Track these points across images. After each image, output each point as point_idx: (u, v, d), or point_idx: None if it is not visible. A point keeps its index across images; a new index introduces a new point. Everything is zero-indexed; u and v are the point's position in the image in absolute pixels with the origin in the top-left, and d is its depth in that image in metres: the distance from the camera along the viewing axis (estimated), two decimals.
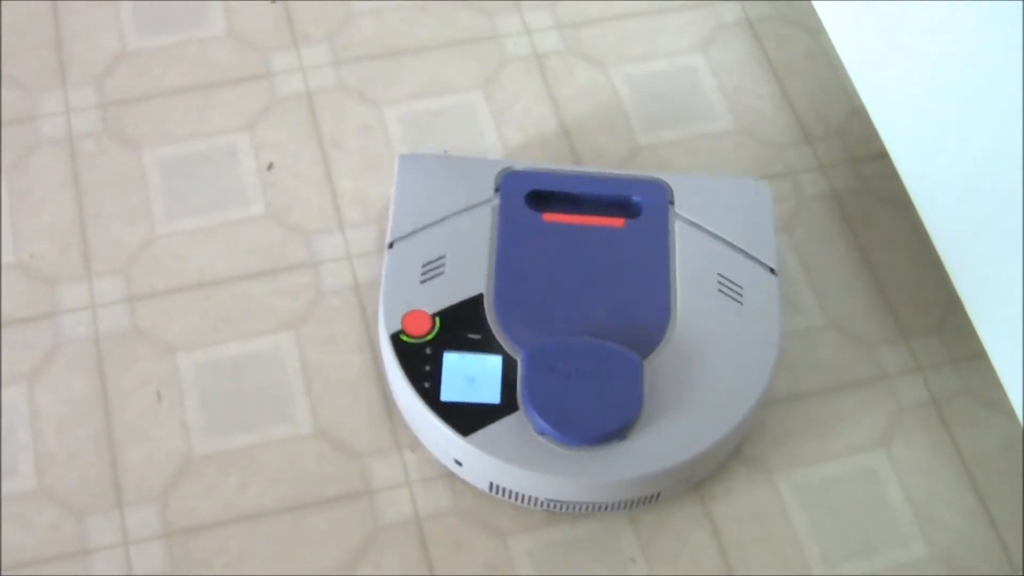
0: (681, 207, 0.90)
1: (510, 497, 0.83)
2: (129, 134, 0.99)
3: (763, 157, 1.00)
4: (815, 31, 1.07)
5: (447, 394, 0.82)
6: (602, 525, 0.85)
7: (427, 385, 0.83)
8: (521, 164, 0.91)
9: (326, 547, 0.84)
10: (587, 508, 0.83)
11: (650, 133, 1.01)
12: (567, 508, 0.83)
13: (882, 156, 1.00)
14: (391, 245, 0.87)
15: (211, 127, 1.00)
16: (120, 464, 0.86)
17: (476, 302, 0.85)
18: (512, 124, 1.00)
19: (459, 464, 0.83)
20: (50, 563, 0.82)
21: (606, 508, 0.83)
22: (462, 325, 0.85)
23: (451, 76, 1.03)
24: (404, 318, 0.85)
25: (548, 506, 0.83)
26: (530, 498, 0.82)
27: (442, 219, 0.88)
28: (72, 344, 0.90)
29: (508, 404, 0.82)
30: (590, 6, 1.07)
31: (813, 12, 1.07)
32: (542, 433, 0.81)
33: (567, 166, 0.92)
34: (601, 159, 0.99)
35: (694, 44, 1.05)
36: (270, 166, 0.98)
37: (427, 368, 0.83)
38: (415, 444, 0.87)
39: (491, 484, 0.83)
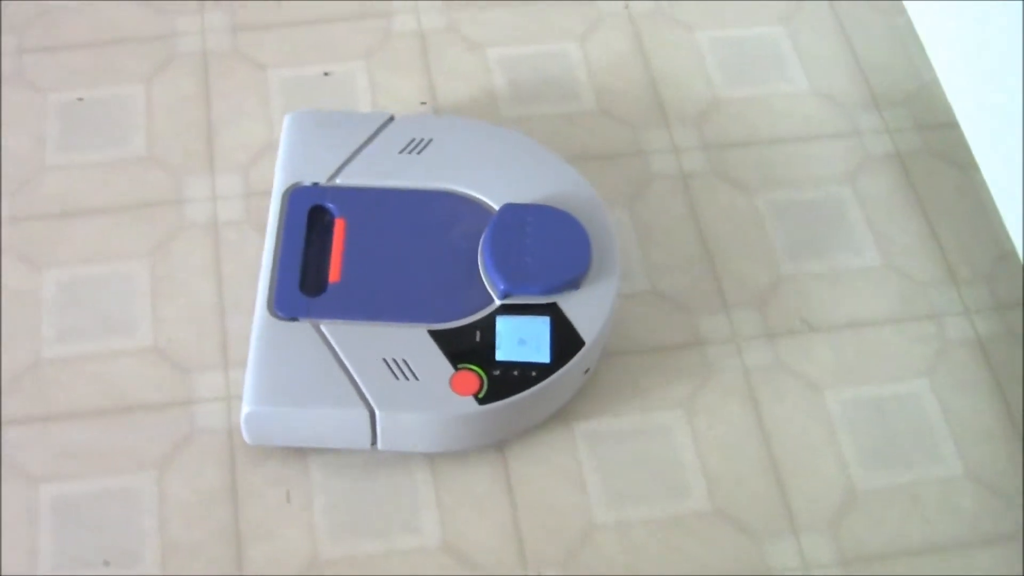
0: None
1: None
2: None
3: (907, 295, 0.98)
4: (965, 167, 1.05)
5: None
6: None
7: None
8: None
9: None
10: None
11: (793, 262, 1.00)
12: None
13: None
14: None
15: None
16: (245, 561, 0.86)
17: None
18: (656, 244, 0.99)
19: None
20: None
21: None
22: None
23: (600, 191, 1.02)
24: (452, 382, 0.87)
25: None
26: None
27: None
28: (205, 434, 0.90)
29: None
30: (736, 128, 1.06)
31: (964, 147, 1.06)
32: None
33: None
34: (743, 287, 0.98)
35: (841, 174, 1.04)
36: None
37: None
38: (541, 563, 0.86)
39: None
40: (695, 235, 1.00)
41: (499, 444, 0.91)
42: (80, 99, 1.06)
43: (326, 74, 1.08)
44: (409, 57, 1.09)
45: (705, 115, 1.07)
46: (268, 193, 1.01)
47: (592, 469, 0.90)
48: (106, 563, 0.85)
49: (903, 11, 1.12)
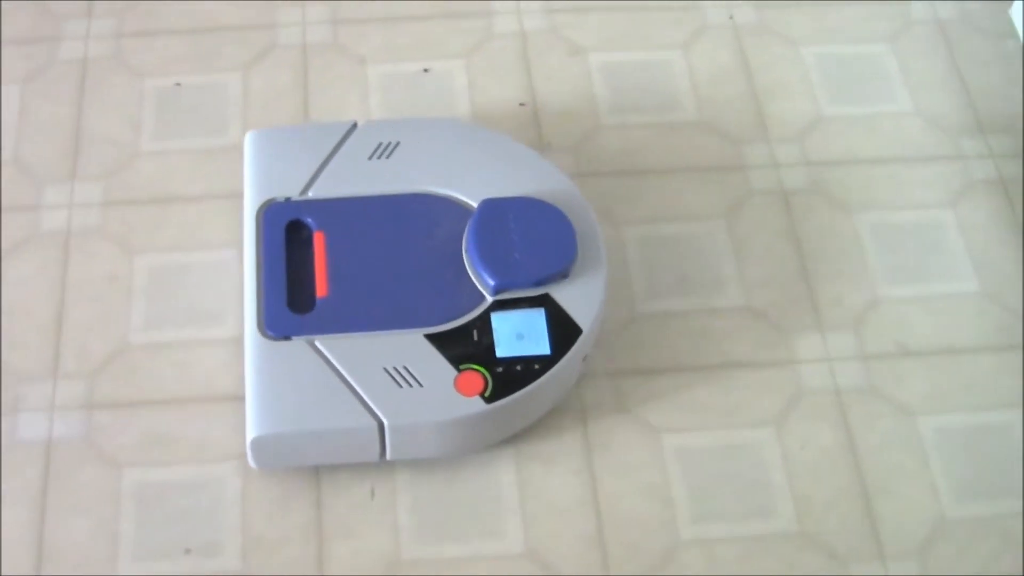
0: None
1: None
2: None
3: (1004, 324, 0.97)
4: None
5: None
6: None
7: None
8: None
9: None
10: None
11: (890, 285, 0.98)
12: None
13: None
14: None
15: None
16: (326, 558, 0.85)
17: None
18: (753, 259, 0.98)
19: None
20: None
21: None
22: None
23: (693, 205, 1.01)
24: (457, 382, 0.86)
25: None
26: None
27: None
28: None
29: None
30: (838, 146, 1.05)
31: None
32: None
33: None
34: (839, 307, 0.96)
35: (943, 198, 1.03)
36: None
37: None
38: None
39: None
40: (793, 252, 0.99)
41: (588, 455, 0.90)
42: (178, 84, 1.06)
43: (425, 71, 1.08)
44: (509, 58, 1.09)
45: (807, 132, 1.06)
46: None
47: (679, 484, 0.89)
48: (187, 552, 0.85)
49: (1013, 35, 1.10)
